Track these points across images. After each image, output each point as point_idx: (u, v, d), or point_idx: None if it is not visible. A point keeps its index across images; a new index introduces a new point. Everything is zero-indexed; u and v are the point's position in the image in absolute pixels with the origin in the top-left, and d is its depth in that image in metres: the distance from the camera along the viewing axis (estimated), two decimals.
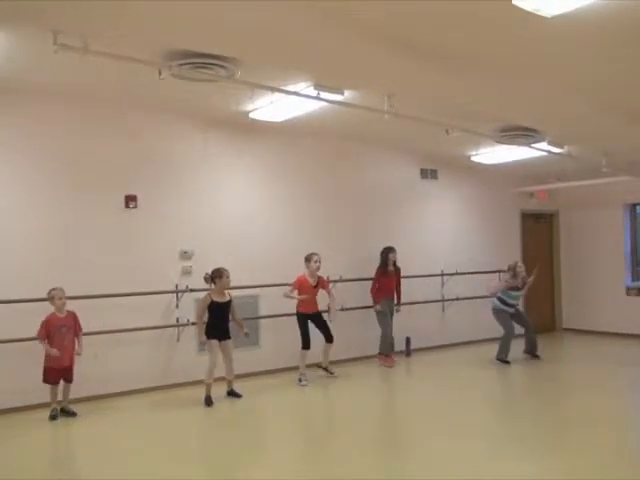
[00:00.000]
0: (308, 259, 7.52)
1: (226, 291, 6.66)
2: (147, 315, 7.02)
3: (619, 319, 10.70)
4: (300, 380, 7.42)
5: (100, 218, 6.83)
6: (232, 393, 6.67)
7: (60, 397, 5.98)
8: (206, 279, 6.60)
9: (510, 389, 7.78)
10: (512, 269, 8.77)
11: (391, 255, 8.53)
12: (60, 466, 4.95)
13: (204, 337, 6.49)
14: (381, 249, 8.59)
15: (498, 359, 8.63)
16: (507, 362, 8.63)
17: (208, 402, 6.41)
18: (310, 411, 6.58)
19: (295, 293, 7.39)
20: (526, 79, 5.72)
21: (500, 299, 8.73)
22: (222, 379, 6.70)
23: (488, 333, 9.94)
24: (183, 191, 7.44)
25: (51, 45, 4.41)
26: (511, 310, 8.77)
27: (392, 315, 8.63)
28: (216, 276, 6.55)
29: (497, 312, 8.77)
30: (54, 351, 5.73)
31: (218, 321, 6.56)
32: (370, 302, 8.58)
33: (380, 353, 8.55)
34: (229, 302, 6.66)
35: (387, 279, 8.55)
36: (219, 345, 6.58)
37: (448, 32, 4.54)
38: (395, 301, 8.66)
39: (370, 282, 8.61)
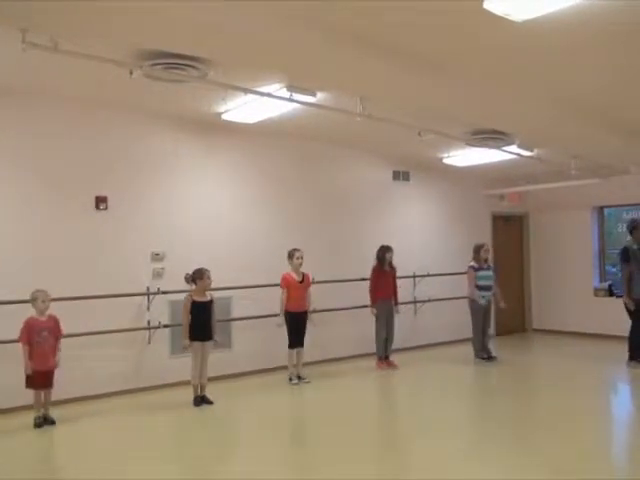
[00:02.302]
0: (290, 255, 7.50)
1: (207, 292, 6.60)
2: (118, 317, 6.93)
3: (587, 319, 10.86)
4: (291, 379, 7.45)
5: (70, 220, 6.73)
6: (204, 399, 6.53)
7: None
8: (187, 280, 6.53)
9: (483, 389, 7.85)
10: (477, 249, 8.87)
11: (388, 255, 8.41)
12: (38, 471, 4.85)
13: (187, 341, 6.41)
14: (378, 247, 8.50)
15: (480, 357, 8.83)
16: (484, 358, 8.80)
17: (197, 402, 6.40)
18: (284, 413, 6.55)
19: (285, 293, 7.38)
20: (496, 83, 5.79)
21: (475, 285, 8.78)
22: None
23: (460, 334, 10.03)
24: (154, 192, 7.38)
25: (19, 43, 4.33)
26: (486, 296, 8.77)
27: (392, 316, 8.52)
28: (197, 277, 6.48)
29: (472, 303, 8.81)
30: (28, 369, 5.58)
31: (201, 321, 6.48)
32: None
33: (379, 358, 8.49)
34: (211, 302, 6.60)
35: (384, 279, 8.44)
36: (203, 346, 6.50)
37: (419, 35, 4.57)
38: (393, 302, 8.55)
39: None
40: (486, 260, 8.92)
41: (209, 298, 6.60)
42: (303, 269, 7.57)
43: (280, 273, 7.54)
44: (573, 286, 11.20)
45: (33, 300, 5.72)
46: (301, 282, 7.51)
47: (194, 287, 6.53)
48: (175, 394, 6.53)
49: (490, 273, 8.89)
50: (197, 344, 6.47)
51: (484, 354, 8.83)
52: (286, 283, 7.43)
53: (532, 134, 7.97)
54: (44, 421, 5.73)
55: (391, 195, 9.93)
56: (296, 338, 7.48)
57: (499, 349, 9.57)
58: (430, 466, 4.60)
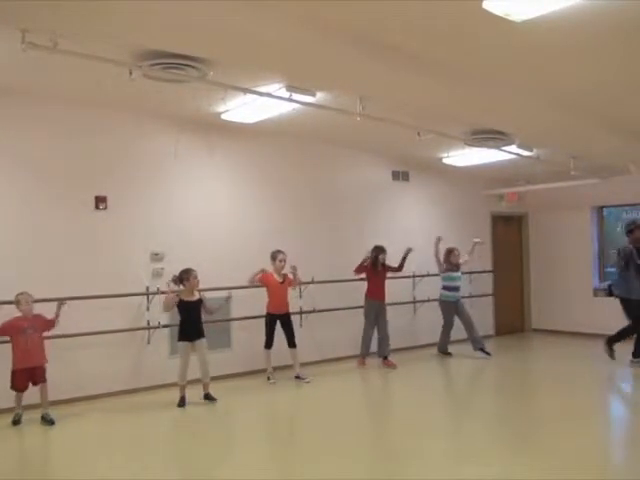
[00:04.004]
0: (273, 257, 7.55)
1: (195, 291, 6.61)
2: (118, 317, 6.94)
3: (587, 319, 10.85)
4: (269, 378, 7.50)
5: (69, 219, 6.73)
6: (208, 397, 6.55)
7: (23, 403, 5.83)
8: (174, 281, 6.53)
9: (482, 388, 7.87)
10: (447, 253, 9.20)
11: (381, 256, 8.47)
12: (32, 472, 4.84)
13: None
14: (372, 247, 8.56)
15: (440, 351, 9.27)
16: (449, 354, 9.21)
17: (180, 403, 6.41)
18: (282, 412, 6.57)
19: (256, 278, 7.49)
20: (496, 83, 5.79)
21: (443, 286, 9.20)
22: (198, 381, 6.64)
23: (459, 334, 10.01)
24: (154, 192, 7.38)
25: (19, 44, 4.34)
26: (455, 297, 9.13)
27: (384, 317, 8.58)
28: (184, 277, 6.50)
29: (442, 303, 9.26)
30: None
31: (189, 321, 6.51)
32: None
33: (362, 356, 8.57)
34: (199, 300, 6.61)
35: (376, 279, 8.52)
36: (192, 346, 6.52)
37: (418, 35, 4.57)
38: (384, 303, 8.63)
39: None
40: (457, 265, 9.19)
41: (197, 297, 6.61)
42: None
43: None
44: (573, 286, 11.19)
45: (17, 303, 5.81)
46: (282, 283, 7.55)
47: (182, 288, 6.54)
48: (174, 394, 6.51)
49: (458, 274, 9.19)
50: (184, 344, 6.50)
51: (483, 348, 9.01)
52: (266, 281, 7.49)
53: (532, 134, 7.96)
54: (41, 420, 5.77)
55: (390, 195, 9.93)
56: (272, 339, 7.55)
57: (498, 349, 9.58)
58: (429, 465, 4.60)
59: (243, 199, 8.19)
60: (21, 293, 5.83)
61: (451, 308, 9.16)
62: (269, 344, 7.55)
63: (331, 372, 8.19)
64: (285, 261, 7.54)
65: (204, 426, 5.97)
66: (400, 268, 8.72)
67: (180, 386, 6.48)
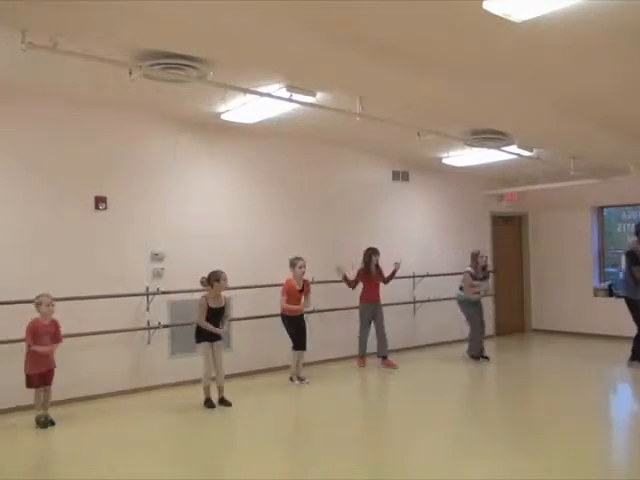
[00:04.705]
0: (293, 264, 7.47)
1: (222, 295, 6.55)
2: (117, 318, 6.93)
3: (587, 319, 10.86)
4: (291, 379, 7.49)
5: (69, 220, 6.73)
6: (223, 401, 6.44)
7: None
8: (202, 282, 6.48)
9: (482, 389, 7.87)
10: (474, 256, 8.93)
11: (374, 257, 8.49)
12: (32, 472, 4.85)
13: (217, 329, 6.41)
14: (364, 249, 8.58)
15: (471, 356, 8.89)
16: (477, 358, 8.85)
17: (209, 404, 6.33)
18: (283, 413, 6.55)
19: (285, 299, 7.40)
20: (496, 83, 5.78)
21: (462, 288, 8.92)
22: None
23: (460, 334, 10.02)
24: (154, 192, 7.38)
25: (19, 44, 4.33)
26: (476, 298, 8.89)
27: (380, 318, 8.57)
28: (214, 279, 6.41)
29: (461, 303, 8.95)
30: (28, 369, 5.65)
31: (211, 324, 6.42)
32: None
33: (360, 356, 8.59)
34: (223, 308, 6.54)
35: (370, 281, 8.53)
36: (211, 346, 6.45)
37: (419, 35, 4.57)
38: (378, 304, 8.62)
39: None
40: (484, 267, 9.00)
41: (223, 304, 6.54)
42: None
43: (279, 273, 7.60)
44: (573, 286, 11.19)
45: (38, 304, 5.72)
46: (300, 291, 7.51)
47: (210, 289, 6.46)
48: (175, 395, 6.52)
49: (481, 283, 8.96)
50: (205, 344, 6.43)
51: (482, 352, 8.89)
52: (287, 288, 7.43)
53: (532, 134, 7.96)
54: (46, 420, 5.73)
55: (390, 195, 9.93)
56: (299, 340, 7.49)
57: (498, 349, 9.57)
58: (430, 466, 4.61)
59: (243, 199, 8.19)
60: (43, 295, 5.74)
61: (470, 306, 8.89)
62: (297, 346, 7.48)
63: (331, 372, 8.19)
64: (305, 267, 7.48)
65: (204, 426, 5.95)
66: (387, 281, 8.66)
67: (204, 387, 6.39)
